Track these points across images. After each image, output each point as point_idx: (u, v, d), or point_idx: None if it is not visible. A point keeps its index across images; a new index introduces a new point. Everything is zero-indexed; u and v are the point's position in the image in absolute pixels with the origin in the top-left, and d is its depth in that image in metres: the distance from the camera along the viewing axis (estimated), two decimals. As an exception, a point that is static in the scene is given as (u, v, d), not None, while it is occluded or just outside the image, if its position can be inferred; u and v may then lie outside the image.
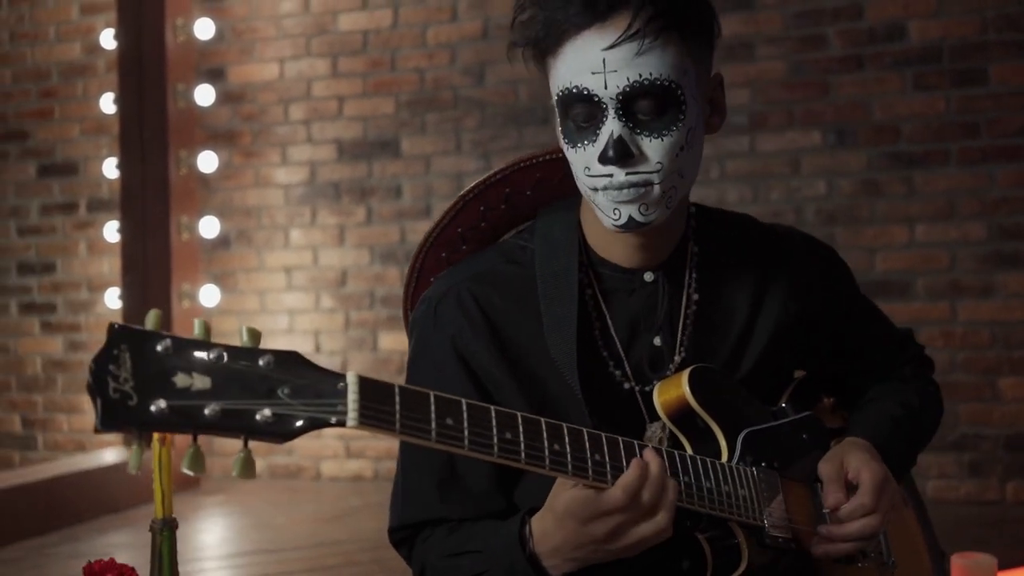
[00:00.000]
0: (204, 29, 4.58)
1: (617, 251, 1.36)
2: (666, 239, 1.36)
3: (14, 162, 5.02)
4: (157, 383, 0.87)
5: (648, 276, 1.36)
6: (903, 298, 3.86)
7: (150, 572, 1.51)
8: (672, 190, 1.26)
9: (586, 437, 1.11)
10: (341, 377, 0.95)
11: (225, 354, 0.91)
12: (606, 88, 1.22)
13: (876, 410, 1.48)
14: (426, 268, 1.48)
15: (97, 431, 0.87)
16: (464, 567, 1.26)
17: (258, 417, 0.91)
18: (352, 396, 0.94)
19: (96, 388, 0.84)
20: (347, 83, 4.56)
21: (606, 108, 1.23)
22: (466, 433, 1.02)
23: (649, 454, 1.13)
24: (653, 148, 1.24)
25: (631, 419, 1.33)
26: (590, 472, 1.10)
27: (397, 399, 0.98)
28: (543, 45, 1.27)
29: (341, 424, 0.94)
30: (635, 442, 1.15)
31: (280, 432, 0.92)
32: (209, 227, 4.57)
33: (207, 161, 4.56)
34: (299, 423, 0.93)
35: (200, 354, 0.90)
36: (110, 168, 4.65)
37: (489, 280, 1.35)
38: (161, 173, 4.35)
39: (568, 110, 1.26)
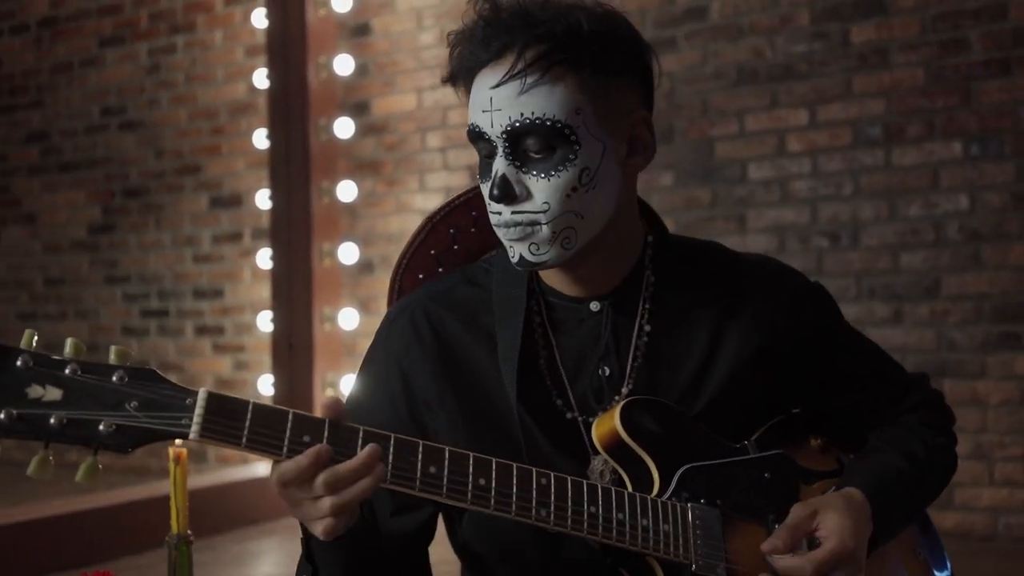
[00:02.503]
0: (344, 65, 4.80)
1: (559, 281, 1.35)
2: (608, 270, 1.34)
3: (189, 194, 5.44)
4: (10, 393, 0.97)
5: (594, 306, 1.34)
6: (1059, 321, 3.51)
7: (168, 583, 1.61)
8: (568, 231, 1.23)
9: (470, 461, 1.13)
10: (192, 394, 1.03)
11: (80, 369, 0.99)
12: (492, 126, 1.23)
13: (880, 462, 1.38)
14: (404, 289, 1.53)
15: None
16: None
17: (101, 428, 0.99)
18: (198, 411, 1.02)
19: None
20: (479, 110, 4.65)
21: (496, 146, 1.24)
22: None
23: (368, 450, 1.09)
24: (540, 188, 1.22)
25: (575, 451, 1.30)
26: (468, 497, 1.13)
27: (249, 416, 1.04)
28: (457, 82, 1.30)
29: (182, 436, 1.02)
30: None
31: (121, 442, 1.01)
32: (348, 253, 4.78)
33: (347, 190, 4.78)
34: (140, 435, 1.01)
35: (56, 369, 0.99)
36: (264, 199, 4.95)
37: (444, 300, 1.37)
38: (304, 203, 4.59)
39: (475, 146, 1.28)
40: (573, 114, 1.21)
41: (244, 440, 1.04)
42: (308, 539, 1.21)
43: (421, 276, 1.50)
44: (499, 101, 1.22)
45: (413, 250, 1.50)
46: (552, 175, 1.22)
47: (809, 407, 1.43)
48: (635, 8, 4.25)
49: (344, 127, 4.77)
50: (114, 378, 1.01)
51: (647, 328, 1.33)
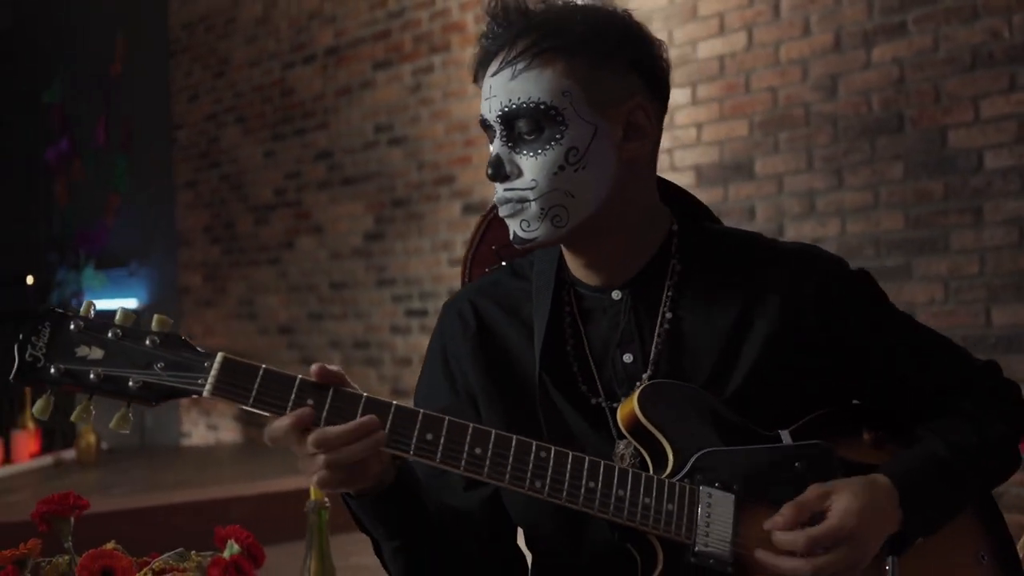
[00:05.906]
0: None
1: (581, 271, 1.40)
2: (625, 257, 1.38)
3: (445, 202, 5.83)
4: (62, 351, 1.17)
5: (616, 294, 1.39)
6: None
7: (306, 547, 1.83)
8: (558, 208, 1.29)
9: (468, 431, 1.20)
10: (211, 357, 1.18)
11: (120, 333, 1.18)
12: (490, 112, 1.32)
13: (919, 448, 1.34)
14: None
15: (11, 382, 1.19)
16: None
17: (131, 383, 1.17)
18: (213, 373, 1.17)
19: (17, 352, 1.17)
20: (705, 109, 4.64)
21: (495, 131, 1.32)
22: (324, 413, 1.18)
23: (365, 419, 1.18)
24: (529, 166, 1.29)
25: (602, 435, 1.35)
26: (462, 464, 1.20)
27: (259, 379, 1.18)
28: (477, 79, 1.39)
29: (197, 393, 1.17)
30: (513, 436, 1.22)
31: (147, 396, 1.18)
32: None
33: (575, 194, 4.92)
34: (164, 390, 1.18)
35: (101, 333, 1.18)
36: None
37: (489, 291, 1.46)
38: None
39: (486, 135, 1.37)
40: (559, 96, 1.28)
41: (252, 399, 1.17)
42: (348, 506, 1.30)
43: (486, 270, 1.59)
44: (495, 88, 1.30)
45: (475, 247, 1.60)
46: (540, 153, 1.28)
47: (861, 397, 1.40)
48: (861, -5, 4.08)
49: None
50: (147, 342, 1.18)
51: (669, 315, 1.36)
